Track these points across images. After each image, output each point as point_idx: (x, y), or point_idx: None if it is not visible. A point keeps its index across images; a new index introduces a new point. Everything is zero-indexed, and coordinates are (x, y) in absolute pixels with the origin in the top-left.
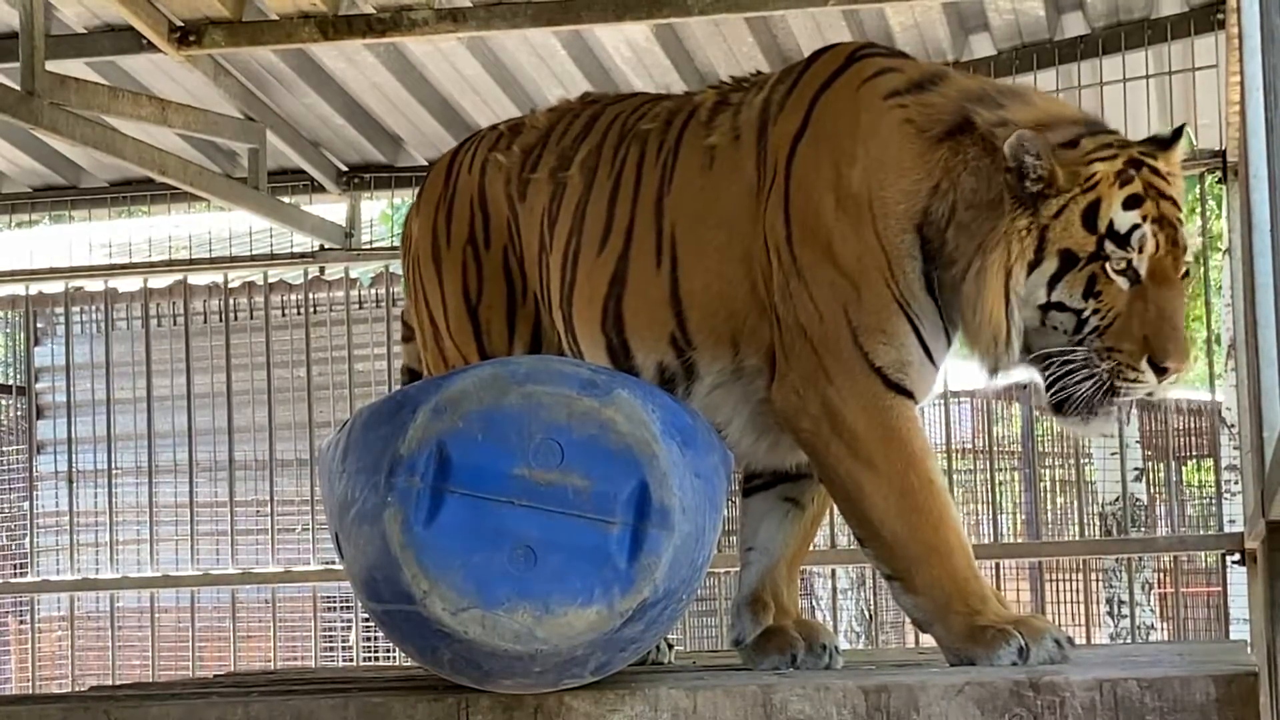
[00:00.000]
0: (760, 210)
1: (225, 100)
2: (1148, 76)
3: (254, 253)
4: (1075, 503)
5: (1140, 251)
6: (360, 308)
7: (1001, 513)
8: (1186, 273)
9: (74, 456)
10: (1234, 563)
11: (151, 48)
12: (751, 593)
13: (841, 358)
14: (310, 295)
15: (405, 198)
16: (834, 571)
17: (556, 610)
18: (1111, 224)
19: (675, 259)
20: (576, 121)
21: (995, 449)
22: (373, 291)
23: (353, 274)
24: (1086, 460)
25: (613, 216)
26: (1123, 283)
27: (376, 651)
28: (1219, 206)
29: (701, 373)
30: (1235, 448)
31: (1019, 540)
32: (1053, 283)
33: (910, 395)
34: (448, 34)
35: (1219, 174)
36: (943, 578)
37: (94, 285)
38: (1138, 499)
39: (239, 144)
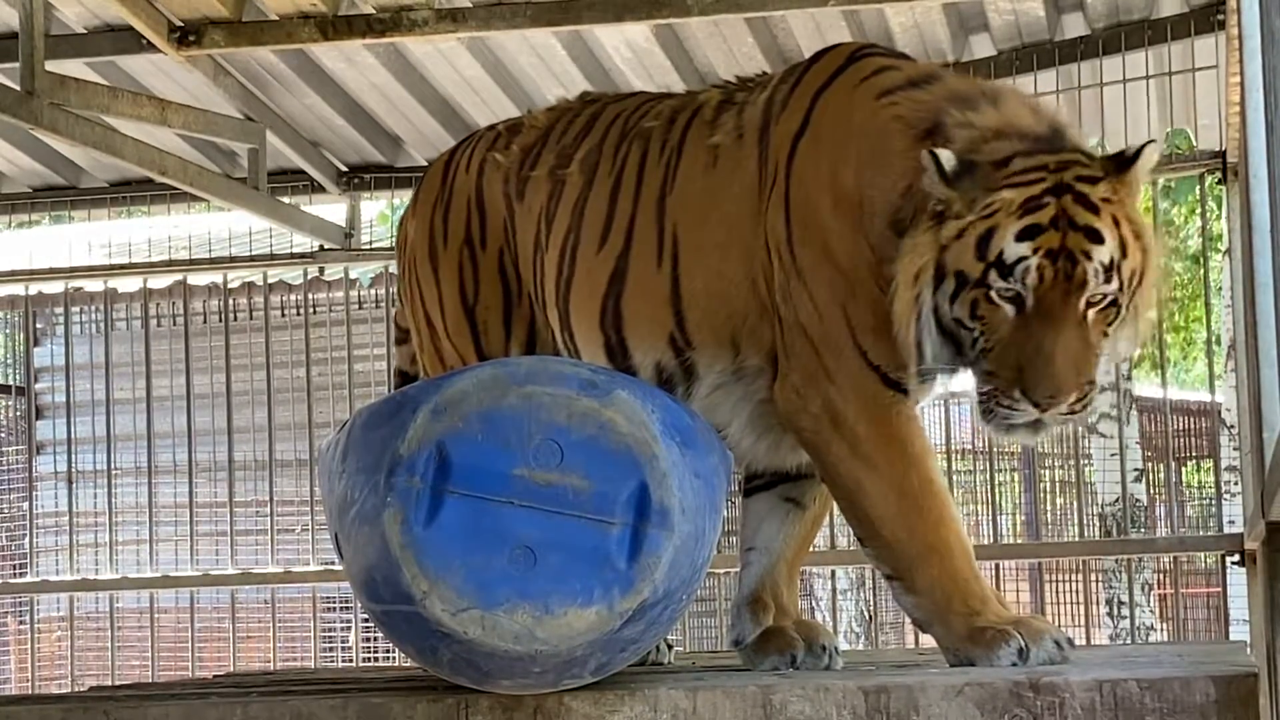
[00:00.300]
0: (762, 210)
1: (225, 100)
2: (1148, 77)
3: (254, 253)
4: (1075, 503)
5: (1024, 283)
6: (360, 308)
7: (1001, 513)
8: (1108, 303)
9: (73, 457)
10: (1234, 564)
11: (151, 48)
12: (751, 593)
13: (841, 357)
14: (310, 296)
15: (405, 198)
16: (834, 572)
17: (556, 611)
18: (1001, 254)
19: (676, 258)
20: (577, 120)
21: (995, 449)
22: (372, 292)
23: (352, 274)
24: (1086, 461)
25: (613, 214)
26: (1009, 310)
27: (376, 652)
28: (1219, 207)
29: (701, 373)
30: (1235, 448)
31: (1019, 541)
32: (952, 300)
33: (909, 394)
34: (448, 34)
35: (1219, 174)
36: (943, 578)
37: (94, 285)
38: (1137, 500)
39: (239, 144)
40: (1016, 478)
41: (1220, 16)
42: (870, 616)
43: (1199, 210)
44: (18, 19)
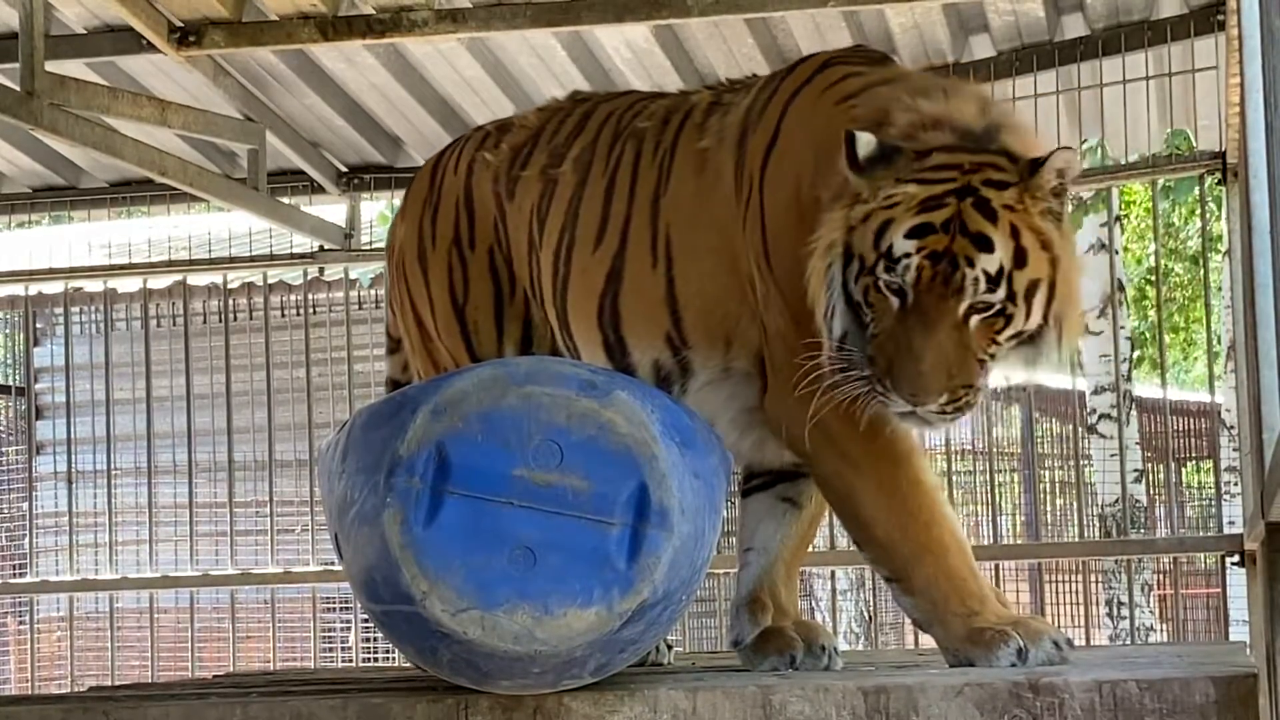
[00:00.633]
0: (742, 218)
1: (225, 101)
2: (1148, 78)
3: (253, 253)
4: (1075, 504)
5: (905, 280)
6: (360, 308)
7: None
8: (994, 312)
9: (73, 457)
10: (1233, 564)
11: (151, 48)
12: (750, 593)
13: (821, 364)
14: (310, 296)
15: None
16: (833, 573)
17: (556, 611)
18: (890, 247)
19: (670, 259)
20: (569, 120)
21: (995, 450)
22: (372, 292)
23: (352, 275)
24: (1086, 462)
25: (609, 214)
26: (894, 302)
27: (376, 652)
28: (1219, 208)
29: (696, 370)
30: (1235, 449)
31: (1019, 542)
32: (855, 280)
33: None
34: (447, 35)
35: (1219, 175)
36: (939, 577)
37: (93, 286)
38: (1137, 500)
39: (238, 145)
40: (1016, 478)
41: (1220, 17)
42: (870, 617)
43: (1199, 211)
44: (18, 19)
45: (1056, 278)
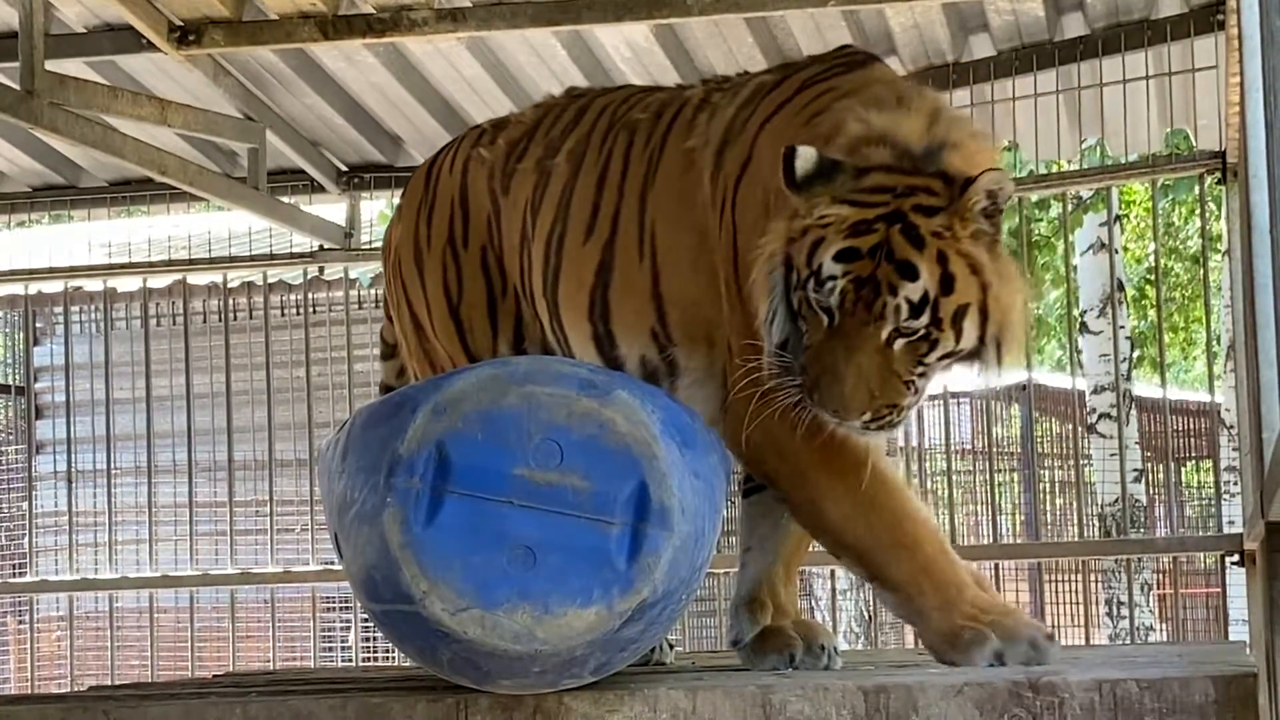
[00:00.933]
0: (718, 228)
1: (225, 100)
2: (1147, 77)
3: (253, 253)
4: (1074, 504)
5: (830, 301)
6: (360, 308)
7: (1001, 514)
8: (919, 337)
9: (73, 456)
10: (1233, 564)
11: (151, 47)
12: (748, 593)
13: (759, 369)
14: (310, 295)
15: None
16: (833, 572)
17: (556, 611)
18: (820, 267)
19: (655, 256)
20: (565, 114)
21: (994, 450)
22: (372, 292)
23: (352, 274)
24: (1086, 461)
25: (600, 204)
26: (823, 319)
27: (375, 652)
28: (1218, 207)
29: (682, 369)
30: (1234, 449)
31: (1018, 541)
32: (794, 290)
33: None
34: (447, 34)
35: (1218, 175)
36: (914, 573)
37: (93, 285)
38: (1137, 500)
39: (238, 144)
40: (1016, 478)
41: (1220, 17)
42: (870, 616)
43: (1198, 211)
44: (17, 18)
45: (987, 301)
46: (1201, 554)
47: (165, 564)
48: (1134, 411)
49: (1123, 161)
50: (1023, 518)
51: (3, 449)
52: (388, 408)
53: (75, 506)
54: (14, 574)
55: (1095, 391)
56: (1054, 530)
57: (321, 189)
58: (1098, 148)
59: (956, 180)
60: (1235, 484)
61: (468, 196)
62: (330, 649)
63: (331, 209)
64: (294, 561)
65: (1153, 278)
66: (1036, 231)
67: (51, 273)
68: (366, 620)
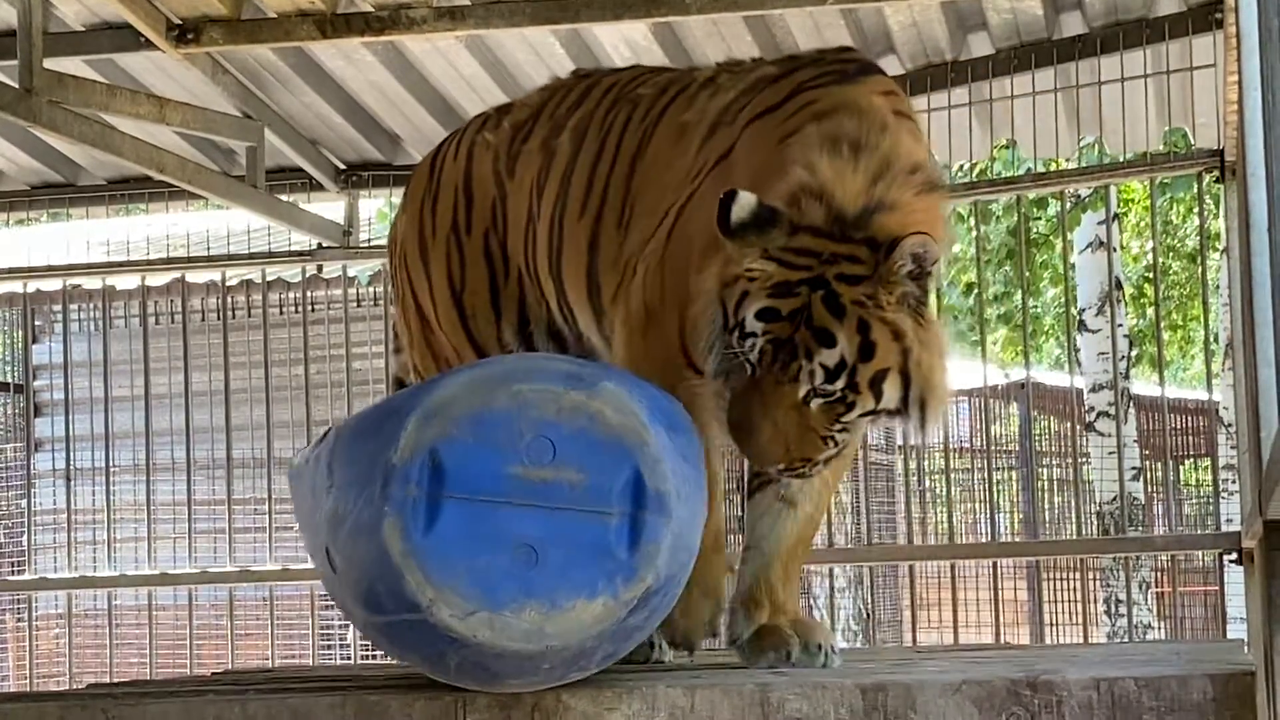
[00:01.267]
0: (684, 203)
1: (223, 98)
2: (1146, 76)
3: (252, 251)
4: (1073, 502)
5: (749, 357)
6: (358, 306)
7: (999, 512)
8: (836, 399)
9: (72, 454)
10: (1231, 562)
11: (150, 46)
12: (745, 591)
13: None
14: (308, 293)
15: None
16: (831, 570)
17: (564, 605)
18: (744, 321)
19: (628, 226)
20: (570, 94)
21: (993, 448)
22: (371, 290)
23: (351, 272)
24: (1084, 459)
25: (594, 177)
26: (746, 368)
27: (374, 650)
28: (1216, 206)
29: None
30: (1233, 447)
31: (1017, 539)
32: (725, 330)
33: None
34: (446, 32)
35: (1217, 173)
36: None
37: (92, 283)
38: (1135, 498)
39: (237, 142)
40: (1014, 476)
41: (1218, 15)
42: (868, 615)
43: (1196, 209)
44: (16, 16)
45: (908, 366)
46: (1200, 552)
47: (164, 562)
48: (1132, 410)
49: (1121, 160)
50: (1021, 516)
51: (1, 447)
52: (374, 419)
53: (74, 504)
54: (13, 572)
55: (1093, 390)
56: (1052, 528)
57: (320, 187)
58: (1096, 146)
59: (883, 246)
60: (1233, 482)
61: (471, 182)
62: (329, 647)
63: (330, 207)
64: (293, 559)
65: (1151, 276)
66: (1035, 229)
67: (50, 271)
68: None
